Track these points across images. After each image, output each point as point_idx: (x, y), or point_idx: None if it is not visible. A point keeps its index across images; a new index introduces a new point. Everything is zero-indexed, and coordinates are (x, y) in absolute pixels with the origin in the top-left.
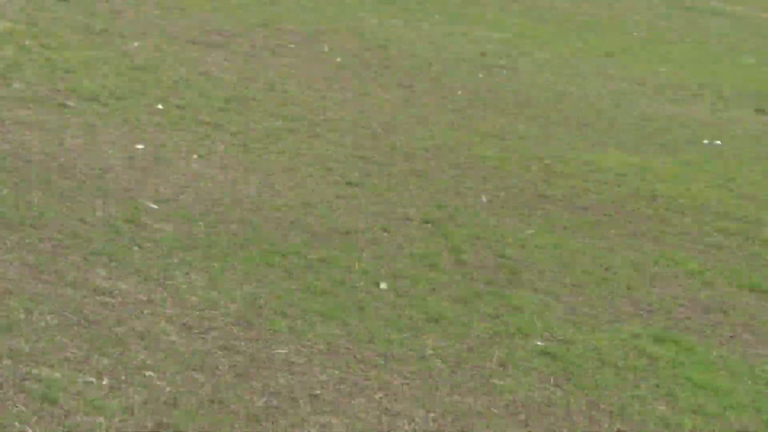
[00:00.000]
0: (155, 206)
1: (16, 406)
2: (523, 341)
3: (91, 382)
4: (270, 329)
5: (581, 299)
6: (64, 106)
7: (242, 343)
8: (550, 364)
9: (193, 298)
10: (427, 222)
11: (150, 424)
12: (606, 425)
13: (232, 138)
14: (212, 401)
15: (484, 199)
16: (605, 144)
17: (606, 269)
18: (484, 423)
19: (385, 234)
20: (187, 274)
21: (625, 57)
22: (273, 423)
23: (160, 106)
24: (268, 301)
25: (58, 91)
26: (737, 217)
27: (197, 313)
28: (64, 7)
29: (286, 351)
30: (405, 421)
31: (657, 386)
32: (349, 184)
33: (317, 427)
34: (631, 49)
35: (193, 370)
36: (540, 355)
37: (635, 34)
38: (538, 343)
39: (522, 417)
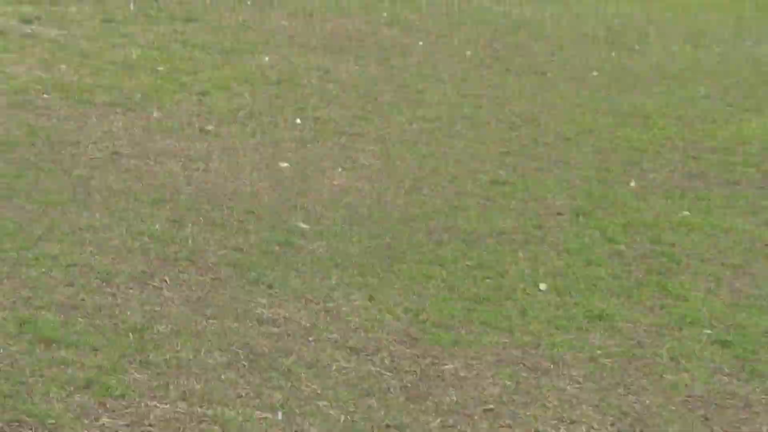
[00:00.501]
0: (306, 226)
1: None
2: (691, 331)
3: (267, 418)
4: (435, 344)
5: (746, 280)
6: (204, 130)
7: (410, 362)
8: (723, 353)
9: (356, 319)
10: (578, 214)
11: None
12: None
13: (373, 146)
14: (388, 426)
15: (632, 183)
16: (752, 111)
17: None
18: (663, 422)
19: (538, 231)
20: (347, 294)
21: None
22: None
23: (298, 121)
24: (431, 314)
25: (197, 115)
26: None
27: (362, 334)
28: (192, 29)
29: (454, 366)
30: (583, 428)
31: None
32: (494, 182)
33: None
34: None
35: (365, 395)
36: (711, 345)
37: None
38: (707, 331)
39: (701, 413)
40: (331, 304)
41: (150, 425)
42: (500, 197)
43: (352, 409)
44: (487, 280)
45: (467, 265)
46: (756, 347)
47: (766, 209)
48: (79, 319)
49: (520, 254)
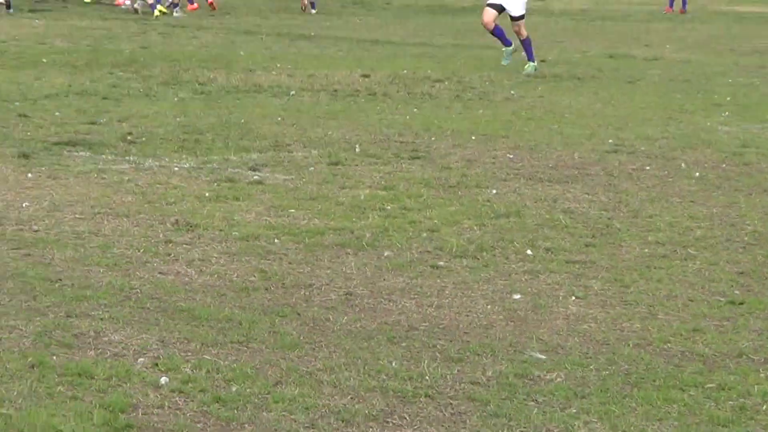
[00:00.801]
0: (543, 356)
1: None
2: None
3: None
4: None
5: None
6: (436, 266)
7: None
8: None
9: None
10: None
11: None
12: None
13: (605, 273)
14: None
15: None
16: None
17: None
18: None
19: None
20: (588, 423)
21: None
22: None
23: (529, 252)
24: None
25: (428, 251)
26: None
27: None
28: (418, 166)
29: None
30: None
31: None
32: (731, 303)
33: None
34: None
35: None
36: None
37: None
38: None
39: None
40: None
41: None
42: (738, 318)
43: None
44: (730, 402)
45: (708, 388)
46: None
47: None
48: None
49: (762, 374)
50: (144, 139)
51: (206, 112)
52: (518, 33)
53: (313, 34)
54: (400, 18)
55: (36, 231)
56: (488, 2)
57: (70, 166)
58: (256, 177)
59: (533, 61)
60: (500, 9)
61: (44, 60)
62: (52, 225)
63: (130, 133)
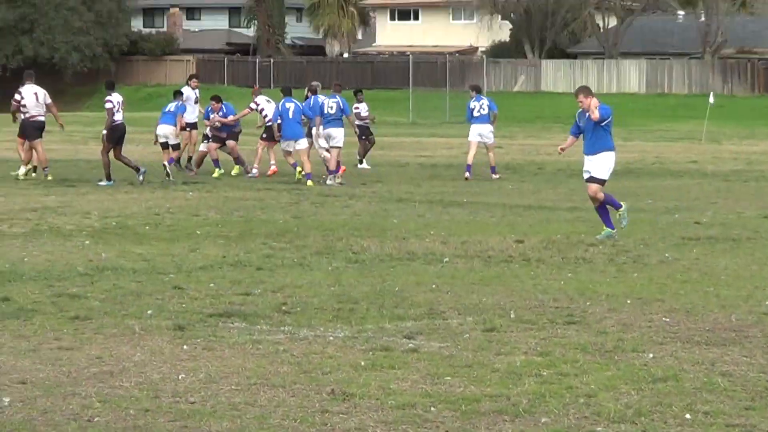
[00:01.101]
0: None
1: None
2: None
3: None
4: None
5: None
6: None
7: None
8: None
9: None
10: None
11: None
12: None
13: None
14: None
15: None
16: None
17: None
18: None
19: None
20: None
21: None
22: None
23: (687, 416)
24: None
25: (585, 417)
26: None
27: None
28: (574, 331)
29: None
30: None
31: None
32: None
33: None
34: None
35: None
36: None
37: None
38: None
39: None
40: None
41: None
42: None
43: None
44: None
45: None
46: None
47: None
48: None
49: None
50: (299, 309)
51: (360, 280)
52: (594, 198)
53: (465, 200)
54: (552, 183)
55: (192, 403)
56: (585, 178)
57: (225, 338)
58: (411, 345)
59: (611, 228)
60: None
61: (198, 232)
62: (208, 396)
63: (284, 303)
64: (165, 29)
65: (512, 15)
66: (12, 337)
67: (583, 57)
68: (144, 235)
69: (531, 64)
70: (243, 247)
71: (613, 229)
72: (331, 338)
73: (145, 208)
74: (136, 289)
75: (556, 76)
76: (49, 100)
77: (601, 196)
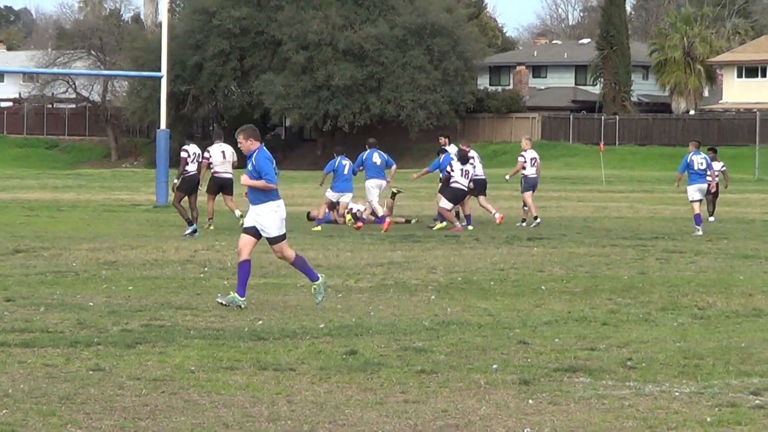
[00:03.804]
0: None
1: None
2: None
3: None
4: None
5: None
6: None
7: None
8: None
9: None
10: None
11: None
12: None
13: None
14: None
15: None
16: None
17: None
18: None
19: None
20: None
21: None
22: None
23: None
24: None
25: None
26: None
27: None
28: None
29: None
30: None
31: None
32: None
33: None
34: None
35: None
36: None
37: None
38: None
39: None
40: None
41: None
42: None
43: None
44: None
45: None
46: None
47: None
48: None
49: None
50: (644, 364)
51: (706, 336)
52: None
53: None
54: None
55: None
56: None
57: (571, 392)
58: (758, 401)
59: None
60: None
61: (543, 287)
62: None
63: (629, 359)
64: (511, 87)
65: None
66: (359, 389)
67: None
68: (489, 290)
69: None
70: (588, 303)
71: None
72: (677, 394)
73: (490, 264)
74: (482, 343)
75: None
76: (235, 158)
77: None
